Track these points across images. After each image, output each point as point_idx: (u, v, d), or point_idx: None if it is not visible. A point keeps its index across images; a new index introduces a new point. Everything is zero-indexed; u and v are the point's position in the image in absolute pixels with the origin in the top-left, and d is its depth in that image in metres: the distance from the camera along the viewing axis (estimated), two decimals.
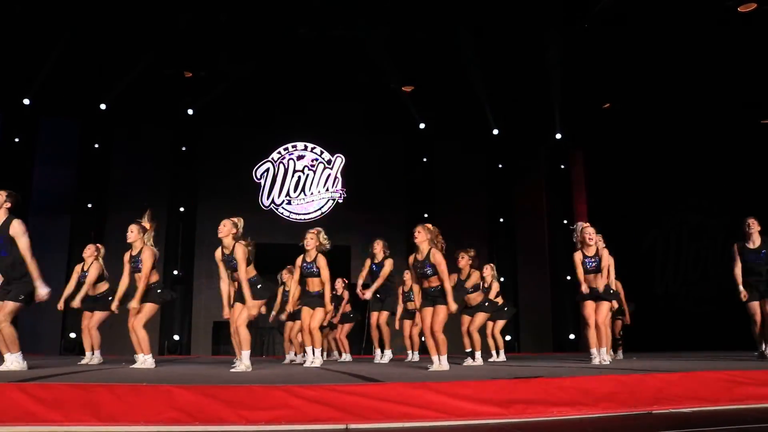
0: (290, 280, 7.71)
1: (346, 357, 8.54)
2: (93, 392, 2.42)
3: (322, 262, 5.98)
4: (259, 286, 5.14)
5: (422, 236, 5.06)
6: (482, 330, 6.92)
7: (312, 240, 5.95)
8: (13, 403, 2.35)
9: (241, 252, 5.05)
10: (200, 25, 10.05)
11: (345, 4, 9.65)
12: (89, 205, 12.43)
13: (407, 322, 7.86)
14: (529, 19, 9.95)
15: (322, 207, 13.54)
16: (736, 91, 10.28)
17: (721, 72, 10.09)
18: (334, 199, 13.66)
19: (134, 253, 5.59)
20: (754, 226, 6.06)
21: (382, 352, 7.40)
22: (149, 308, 5.53)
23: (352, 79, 12.01)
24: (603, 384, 2.74)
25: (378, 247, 7.20)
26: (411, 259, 5.16)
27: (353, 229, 12.75)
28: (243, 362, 4.84)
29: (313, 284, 6.03)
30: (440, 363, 4.93)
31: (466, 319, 6.40)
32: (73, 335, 11.58)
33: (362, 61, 11.14)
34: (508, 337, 12.33)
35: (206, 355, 12.19)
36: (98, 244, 6.92)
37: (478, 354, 6.20)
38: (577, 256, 5.79)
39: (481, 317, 6.41)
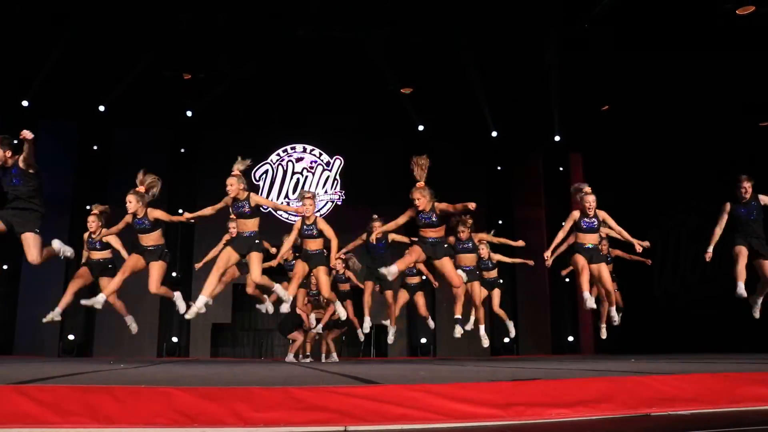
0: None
1: (364, 327, 8.47)
2: (91, 394, 2.41)
3: (323, 223, 6.10)
4: (257, 241, 5.27)
5: (423, 201, 5.21)
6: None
7: (311, 206, 6.13)
8: (11, 405, 2.35)
9: (257, 197, 5.27)
10: (199, 26, 10.06)
11: (344, 5, 9.66)
12: (88, 207, 12.40)
13: (402, 293, 7.89)
14: (528, 20, 9.96)
15: (321, 209, 13.54)
16: (735, 93, 10.30)
17: (720, 74, 10.11)
18: (333, 201, 13.66)
19: (139, 216, 5.61)
20: (748, 188, 6.24)
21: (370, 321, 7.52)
22: (160, 267, 5.60)
23: (351, 80, 12.01)
24: (601, 386, 2.74)
25: (378, 226, 7.31)
26: (412, 212, 5.30)
27: (352, 231, 12.73)
28: (278, 292, 5.03)
29: (313, 244, 6.11)
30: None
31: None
32: (71, 337, 11.56)
33: (361, 63, 11.14)
34: (506, 339, 12.31)
35: (205, 357, 12.18)
36: (97, 210, 6.77)
37: (482, 328, 6.29)
38: (576, 213, 5.81)
39: (477, 287, 6.56)
